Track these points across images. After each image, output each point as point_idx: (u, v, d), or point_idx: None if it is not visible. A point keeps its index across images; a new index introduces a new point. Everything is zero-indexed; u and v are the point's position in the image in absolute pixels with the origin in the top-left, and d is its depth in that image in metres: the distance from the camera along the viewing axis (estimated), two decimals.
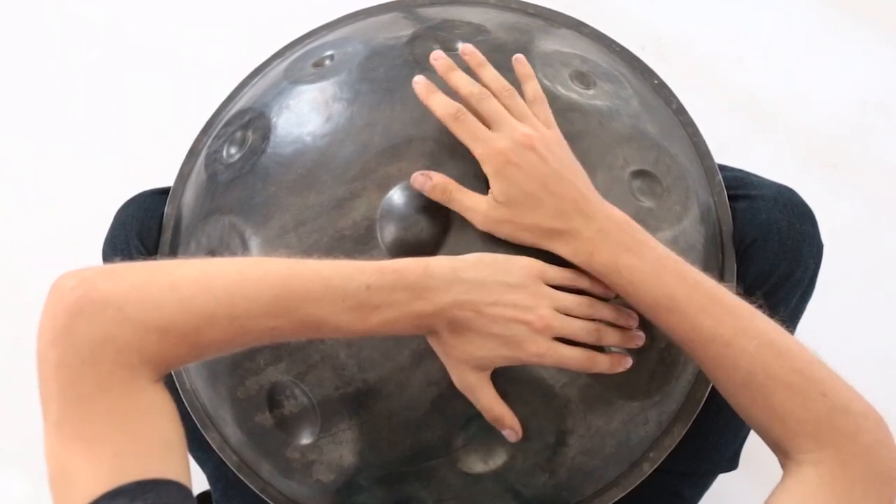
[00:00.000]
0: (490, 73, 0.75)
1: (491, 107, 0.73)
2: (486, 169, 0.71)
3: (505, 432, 0.72)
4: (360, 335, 0.65)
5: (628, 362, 0.73)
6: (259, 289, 0.62)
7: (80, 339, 0.57)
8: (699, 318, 0.69)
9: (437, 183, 0.72)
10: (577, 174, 0.73)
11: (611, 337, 0.72)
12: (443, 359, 0.71)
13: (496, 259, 0.70)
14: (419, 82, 0.75)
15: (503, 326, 0.68)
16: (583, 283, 0.72)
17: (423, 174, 0.73)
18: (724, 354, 0.69)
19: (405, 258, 0.67)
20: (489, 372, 0.70)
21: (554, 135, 0.74)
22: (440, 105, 0.73)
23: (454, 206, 0.73)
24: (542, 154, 0.71)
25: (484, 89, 0.74)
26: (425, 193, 0.73)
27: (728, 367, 0.69)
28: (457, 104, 0.73)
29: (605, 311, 0.73)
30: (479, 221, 0.72)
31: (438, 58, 0.75)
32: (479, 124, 0.72)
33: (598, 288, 0.73)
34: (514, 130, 0.71)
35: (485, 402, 0.71)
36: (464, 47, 0.76)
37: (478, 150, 0.72)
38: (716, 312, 0.69)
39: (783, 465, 0.70)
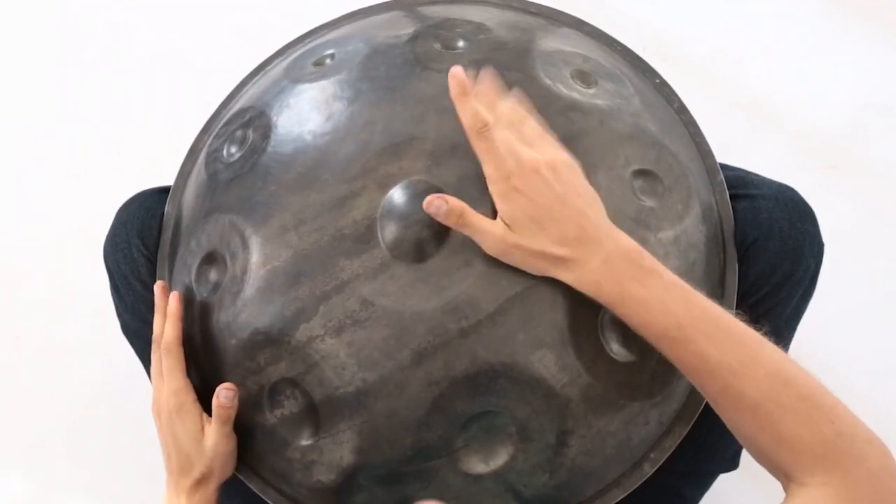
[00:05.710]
0: (504, 105, 0.74)
1: (496, 137, 0.71)
2: (492, 189, 0.71)
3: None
4: None
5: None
6: None
7: None
8: (706, 347, 0.69)
9: (453, 207, 0.71)
10: (585, 198, 0.72)
11: None
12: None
13: None
14: (454, 79, 0.72)
15: None
16: None
17: (439, 197, 0.71)
18: (731, 383, 0.69)
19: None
20: None
21: (563, 158, 0.72)
22: (468, 116, 0.72)
23: (467, 231, 0.72)
24: (547, 179, 0.70)
25: (487, 121, 0.71)
26: (439, 218, 0.71)
27: (734, 396, 0.69)
28: (485, 119, 0.71)
29: None
30: (492, 247, 0.71)
31: (455, 76, 0.72)
32: (500, 144, 0.71)
33: None
34: (520, 156, 0.70)
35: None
36: (479, 84, 0.74)
37: (488, 170, 0.71)
38: (723, 341, 0.69)
39: (786, 488, 0.70)
